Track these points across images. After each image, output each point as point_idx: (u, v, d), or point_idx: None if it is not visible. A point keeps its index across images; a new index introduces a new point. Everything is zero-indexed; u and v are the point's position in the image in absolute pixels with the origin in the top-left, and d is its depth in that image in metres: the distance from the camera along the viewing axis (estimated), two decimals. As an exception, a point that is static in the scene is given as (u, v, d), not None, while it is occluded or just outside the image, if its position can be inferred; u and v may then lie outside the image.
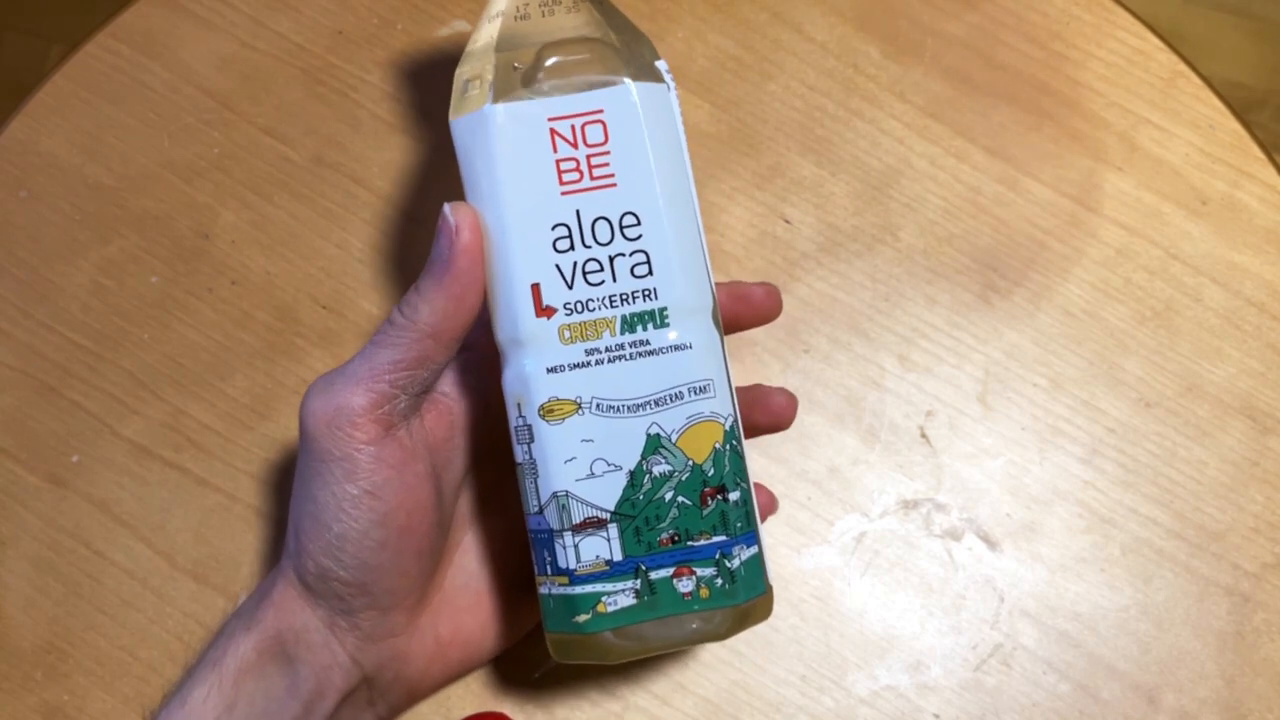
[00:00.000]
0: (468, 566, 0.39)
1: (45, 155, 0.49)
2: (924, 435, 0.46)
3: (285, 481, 0.46)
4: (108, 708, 0.43)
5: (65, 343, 0.47)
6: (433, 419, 0.36)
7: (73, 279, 0.48)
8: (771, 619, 0.44)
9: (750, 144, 0.49)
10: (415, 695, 0.38)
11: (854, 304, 0.47)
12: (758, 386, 0.38)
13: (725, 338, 0.36)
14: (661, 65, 0.35)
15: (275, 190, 0.49)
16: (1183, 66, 0.50)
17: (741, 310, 0.38)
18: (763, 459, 0.45)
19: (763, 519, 0.38)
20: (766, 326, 0.46)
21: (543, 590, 0.34)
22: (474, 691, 0.43)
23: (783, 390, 0.38)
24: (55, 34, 1.20)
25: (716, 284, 0.36)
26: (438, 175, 0.49)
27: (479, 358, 0.37)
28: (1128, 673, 0.44)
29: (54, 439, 0.46)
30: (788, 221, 0.48)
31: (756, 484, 0.38)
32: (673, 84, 0.35)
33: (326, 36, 0.50)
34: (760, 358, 0.47)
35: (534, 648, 0.37)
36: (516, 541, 0.39)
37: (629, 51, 0.34)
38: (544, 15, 0.34)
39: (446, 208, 0.33)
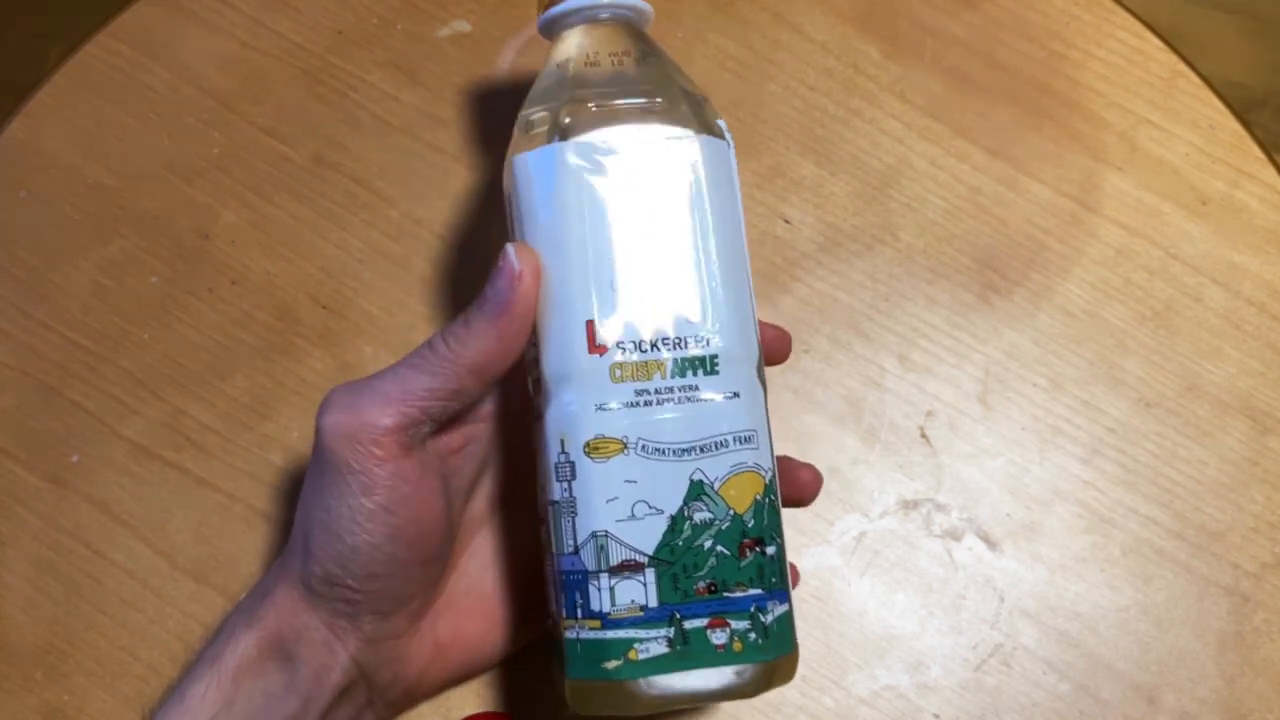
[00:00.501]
0: (471, 571, 0.39)
1: (45, 155, 0.49)
2: (924, 435, 0.46)
3: (285, 482, 0.46)
4: (108, 708, 0.43)
5: (65, 343, 0.47)
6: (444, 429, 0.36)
7: (73, 279, 0.48)
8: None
9: (750, 144, 0.49)
10: (414, 697, 0.38)
11: (854, 304, 0.47)
12: (785, 459, 0.38)
13: None
14: (721, 124, 0.36)
15: (275, 190, 0.49)
16: (1183, 66, 0.50)
17: None
18: (763, 459, 0.45)
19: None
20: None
21: (570, 635, 0.33)
22: (475, 692, 0.43)
23: (810, 467, 0.38)
24: (55, 34, 1.19)
25: None
26: (439, 176, 0.49)
27: None
28: (1128, 673, 0.44)
29: (54, 439, 0.46)
30: (788, 221, 0.48)
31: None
32: (732, 142, 0.35)
33: (326, 36, 0.50)
34: (760, 358, 0.47)
35: (532, 683, 0.37)
36: (525, 552, 0.39)
37: (695, 105, 0.35)
38: (614, 65, 0.35)
39: (510, 248, 0.33)
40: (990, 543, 0.45)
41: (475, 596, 0.39)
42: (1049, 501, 0.45)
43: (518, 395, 0.36)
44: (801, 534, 0.45)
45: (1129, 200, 0.48)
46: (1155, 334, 0.47)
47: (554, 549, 0.34)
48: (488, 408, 0.37)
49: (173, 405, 0.46)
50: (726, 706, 0.43)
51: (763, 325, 0.38)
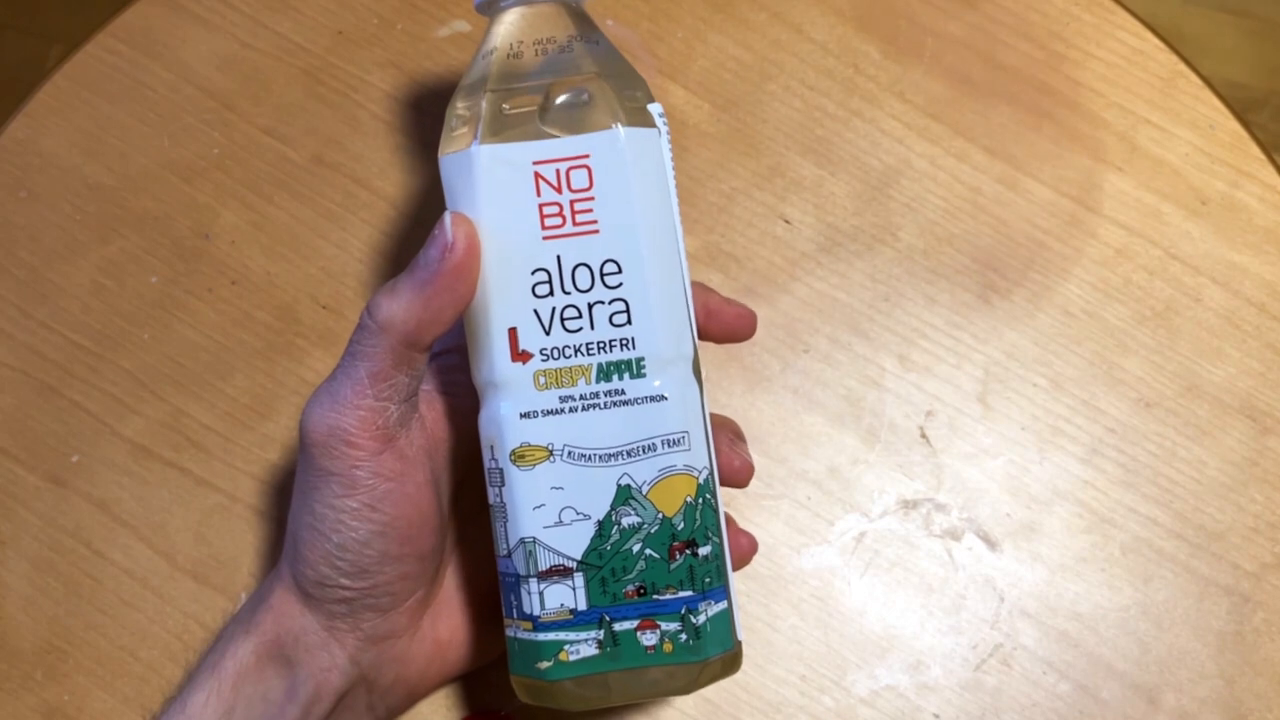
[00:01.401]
0: (467, 567, 0.39)
1: (45, 155, 0.49)
2: (924, 435, 0.46)
3: (286, 482, 0.46)
4: (108, 708, 0.43)
5: (65, 343, 0.47)
6: (433, 418, 0.36)
7: (73, 279, 0.48)
8: (771, 619, 0.44)
9: (750, 144, 0.49)
10: (414, 696, 0.38)
11: (854, 304, 0.47)
12: (720, 444, 0.37)
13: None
14: (655, 109, 0.34)
15: (275, 190, 0.49)
16: (1183, 66, 0.50)
17: (707, 325, 0.37)
18: (763, 459, 0.45)
19: (745, 563, 0.38)
20: (766, 326, 0.46)
21: (509, 633, 0.34)
22: (475, 692, 0.43)
23: (743, 458, 0.37)
24: (55, 34, 1.20)
25: (693, 282, 0.36)
26: (437, 175, 0.49)
27: None
28: (1128, 673, 0.44)
29: (54, 439, 0.46)
30: (788, 221, 0.48)
31: (742, 530, 0.37)
32: (665, 128, 0.34)
33: (326, 36, 0.50)
34: (760, 358, 0.47)
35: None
36: None
37: (621, 95, 0.33)
38: (537, 55, 0.33)
39: (446, 217, 0.32)
40: (990, 543, 0.45)
41: (472, 592, 0.39)
42: (1049, 501, 0.45)
43: None
44: (801, 534, 0.45)
45: (1129, 200, 0.48)
46: (1155, 334, 0.47)
47: (495, 550, 0.34)
48: (474, 401, 0.37)
49: (173, 405, 0.46)
50: (726, 704, 0.43)
51: (724, 305, 0.37)
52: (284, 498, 0.45)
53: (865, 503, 0.45)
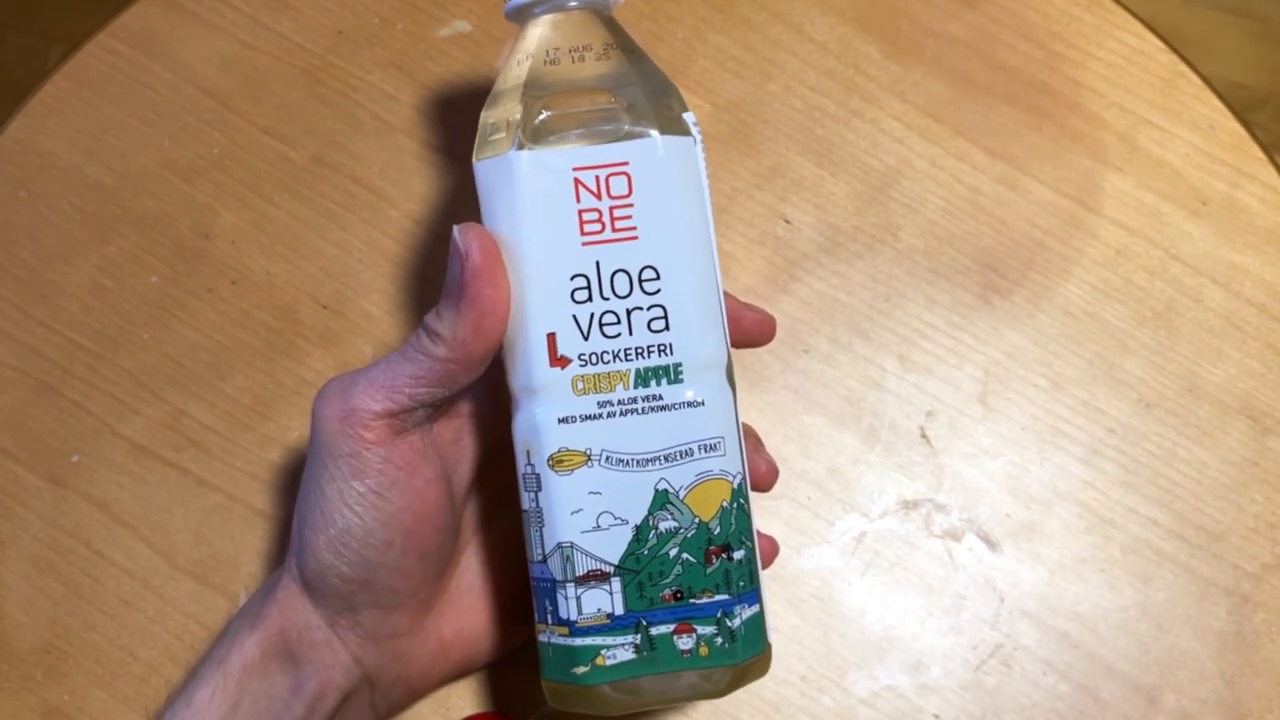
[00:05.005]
0: (473, 568, 0.39)
1: (45, 155, 0.49)
2: (924, 435, 0.46)
3: (286, 481, 0.46)
4: (108, 708, 0.43)
5: (65, 343, 0.47)
6: (440, 422, 0.36)
7: (73, 279, 0.48)
8: (771, 619, 0.44)
9: (750, 144, 0.49)
10: (416, 695, 0.38)
11: (854, 304, 0.47)
12: (749, 448, 0.37)
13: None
14: (689, 118, 0.34)
15: (275, 190, 0.49)
16: (1183, 66, 0.50)
17: (729, 330, 0.37)
18: (763, 459, 0.45)
19: (767, 566, 0.38)
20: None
21: (542, 638, 0.34)
22: (475, 692, 0.43)
23: (769, 462, 0.38)
24: (55, 34, 1.20)
25: None
26: (438, 175, 0.49)
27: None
28: (1128, 673, 0.44)
29: (54, 439, 0.46)
30: (788, 221, 0.48)
31: (760, 533, 0.37)
32: (699, 137, 0.34)
33: (326, 36, 0.50)
34: (760, 357, 0.47)
35: (531, 685, 0.37)
36: (518, 551, 0.39)
37: (658, 103, 0.34)
38: (574, 61, 0.34)
39: (455, 230, 0.33)
40: (990, 543, 0.45)
41: (477, 594, 0.39)
42: (1049, 501, 0.45)
43: (503, 390, 0.36)
44: (801, 534, 0.45)
45: (1129, 200, 0.48)
46: (1155, 334, 0.47)
47: (528, 555, 0.34)
48: (481, 406, 0.37)
49: (173, 405, 0.46)
50: (727, 708, 0.43)
51: (743, 310, 0.38)
52: (284, 497, 0.45)
53: (865, 503, 0.45)
